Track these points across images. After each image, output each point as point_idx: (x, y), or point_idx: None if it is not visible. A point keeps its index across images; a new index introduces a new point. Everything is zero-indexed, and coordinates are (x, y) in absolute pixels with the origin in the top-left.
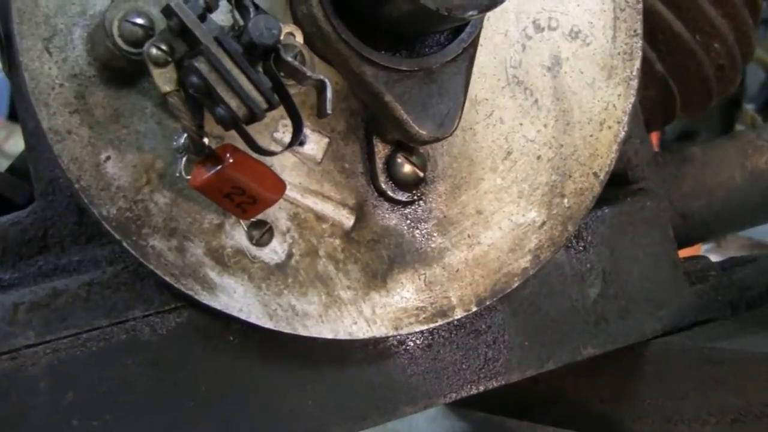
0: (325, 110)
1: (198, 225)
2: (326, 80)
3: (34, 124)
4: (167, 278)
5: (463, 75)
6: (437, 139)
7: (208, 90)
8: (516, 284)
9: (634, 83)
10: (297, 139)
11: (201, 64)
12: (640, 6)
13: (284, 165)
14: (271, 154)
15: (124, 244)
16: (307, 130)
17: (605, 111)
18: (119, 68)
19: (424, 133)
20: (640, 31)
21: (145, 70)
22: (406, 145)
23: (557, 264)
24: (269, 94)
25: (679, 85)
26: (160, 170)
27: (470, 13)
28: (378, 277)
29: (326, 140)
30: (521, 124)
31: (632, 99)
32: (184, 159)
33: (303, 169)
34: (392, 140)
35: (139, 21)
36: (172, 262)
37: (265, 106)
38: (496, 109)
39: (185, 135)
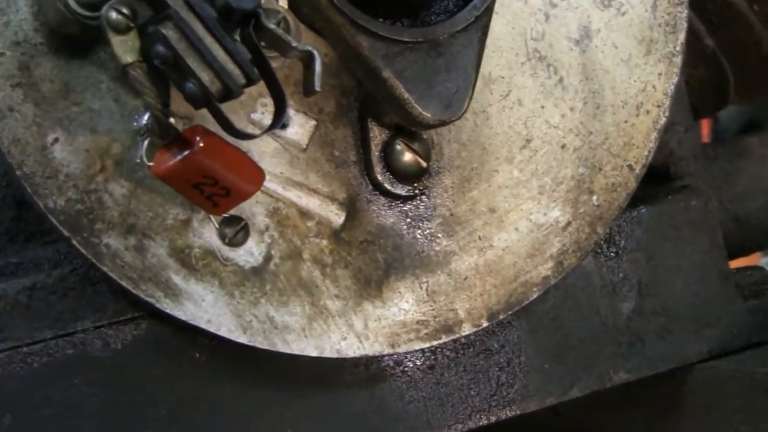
0: (314, 87)
1: (161, 221)
2: (315, 52)
3: None
4: (124, 283)
5: (475, 48)
6: (443, 123)
7: (176, 61)
8: (535, 295)
9: (678, 60)
10: (279, 120)
11: (168, 31)
12: None
13: (263, 151)
14: (249, 137)
15: (74, 241)
16: (290, 111)
17: (643, 92)
18: (71, 35)
19: (429, 115)
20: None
21: (102, 38)
22: (407, 129)
23: (584, 273)
24: (248, 66)
25: (732, 64)
26: (117, 155)
27: None
28: (372, 284)
29: (313, 123)
30: (543, 107)
31: (675, 79)
32: (146, 142)
33: (285, 156)
34: (391, 124)
35: None
36: (129, 263)
37: (243, 80)
38: (514, 88)
39: (148, 114)
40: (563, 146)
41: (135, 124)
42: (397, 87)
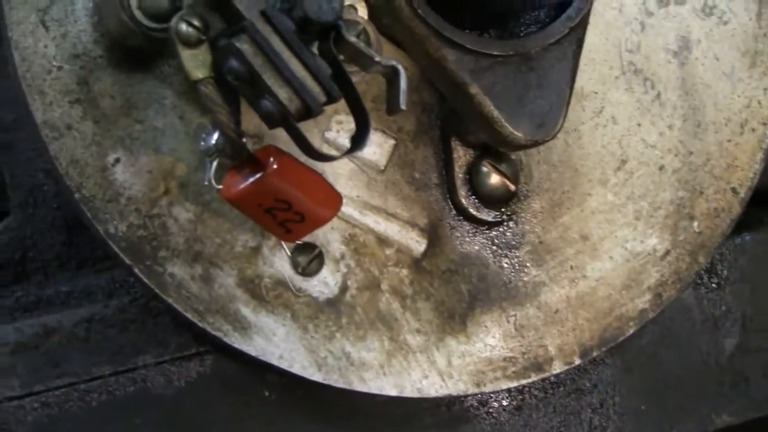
0: (398, 105)
1: (229, 248)
2: (400, 67)
3: (13, 116)
4: (189, 315)
5: (570, 62)
6: (536, 143)
7: (251, 77)
8: (631, 331)
9: None
10: (362, 142)
11: (244, 45)
12: None
13: (338, 173)
14: (329, 159)
15: (136, 270)
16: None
17: (747, 109)
18: (134, 47)
19: (520, 135)
20: None
21: (166, 51)
22: (495, 150)
23: (683, 306)
24: (328, 83)
25: None
26: (182, 177)
27: None
28: (455, 317)
29: (392, 142)
30: (639, 125)
31: None
32: (215, 163)
33: (362, 178)
34: (476, 143)
35: None
36: (195, 294)
37: (323, 98)
38: (608, 105)
39: (217, 133)
40: (661, 168)
41: (202, 143)
42: (486, 104)
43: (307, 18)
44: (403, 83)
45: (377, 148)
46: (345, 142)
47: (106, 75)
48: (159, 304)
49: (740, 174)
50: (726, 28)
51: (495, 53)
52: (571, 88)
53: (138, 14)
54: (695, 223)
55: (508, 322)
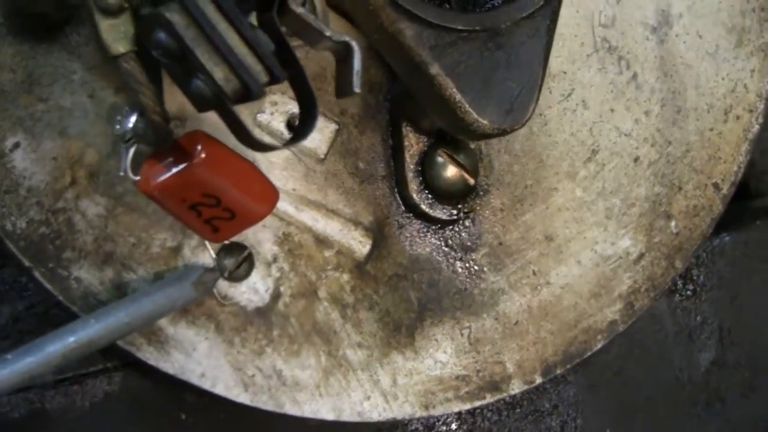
0: (351, 87)
1: (145, 248)
2: (354, 44)
3: None
4: None
5: (543, 39)
6: (503, 132)
7: (182, 53)
8: (599, 345)
9: None
10: (309, 129)
11: (174, 15)
12: None
13: (271, 162)
14: (269, 149)
15: (36, 273)
16: None
17: (732, 94)
18: (38, 15)
19: (486, 122)
20: None
21: (79, 19)
22: (451, 137)
23: (654, 315)
24: (271, 61)
25: None
26: (92, 166)
27: None
28: (402, 330)
29: (333, 127)
30: (612, 110)
31: None
32: (132, 151)
33: (299, 168)
34: (431, 130)
35: None
36: (105, 302)
37: (265, 78)
38: (578, 86)
39: (135, 115)
40: (636, 159)
41: (117, 127)
42: (448, 86)
43: None
44: (356, 63)
45: (317, 133)
46: (280, 126)
47: (5, 45)
48: (60, 311)
49: (723, 167)
50: (710, 1)
51: (460, 27)
52: (544, 68)
53: None
54: (672, 223)
55: (462, 335)
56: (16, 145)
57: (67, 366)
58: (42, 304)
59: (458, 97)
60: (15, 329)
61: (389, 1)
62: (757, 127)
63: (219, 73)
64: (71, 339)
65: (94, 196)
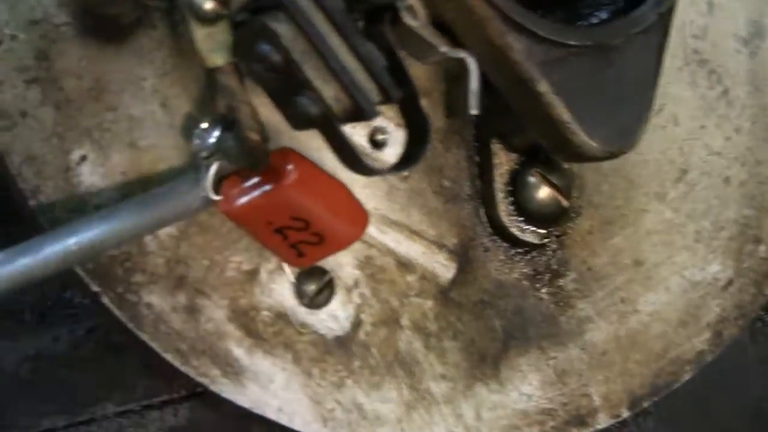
0: (467, 107)
1: (219, 272)
2: (471, 60)
3: None
4: (170, 356)
5: (655, 56)
6: (612, 156)
7: (287, 68)
8: (687, 376)
9: None
10: (420, 154)
11: (281, 26)
12: None
13: (352, 179)
14: (376, 173)
15: (105, 299)
16: (384, 122)
17: None
18: (110, 16)
19: (595, 145)
20: None
21: (145, 20)
22: (543, 156)
23: (735, 342)
24: (385, 78)
25: None
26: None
27: None
28: (487, 360)
29: None
30: (703, 127)
31: None
32: (213, 168)
33: (381, 186)
34: (521, 147)
35: None
36: (177, 330)
37: (378, 98)
38: (669, 101)
39: (219, 130)
40: (726, 179)
41: (196, 141)
42: (556, 105)
43: None
44: (474, 81)
45: (400, 148)
46: (362, 140)
47: (72, 48)
48: (121, 336)
49: None
50: None
51: (571, 43)
52: (656, 88)
53: None
54: (762, 248)
55: (548, 365)
56: (83, 158)
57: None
58: (101, 327)
59: (567, 117)
60: (76, 355)
61: (499, 13)
62: None
63: (329, 91)
64: (72, 240)
65: None
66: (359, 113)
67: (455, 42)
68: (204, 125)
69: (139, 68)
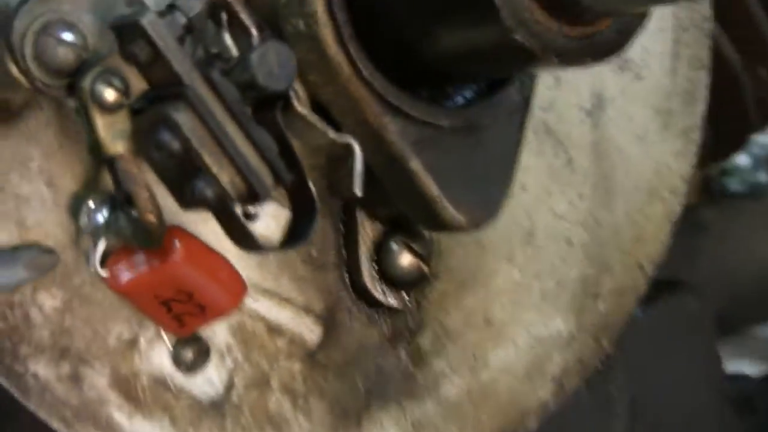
0: (353, 188)
1: (101, 341)
2: (356, 145)
3: None
4: (54, 424)
5: (517, 133)
6: (477, 227)
7: (187, 155)
8: (532, 426)
9: (696, 137)
10: (308, 232)
11: (181, 116)
12: (708, 26)
13: (225, 250)
14: (264, 250)
15: None
16: None
17: (656, 176)
18: (0, 101)
19: (462, 218)
20: (707, 61)
21: (33, 103)
22: (406, 225)
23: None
24: (277, 163)
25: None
26: None
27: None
28: (351, 416)
29: (287, 213)
30: (549, 194)
31: (693, 159)
32: (101, 246)
33: (253, 257)
34: (386, 217)
35: (70, 38)
36: (61, 398)
37: (271, 181)
38: (519, 170)
39: (106, 209)
40: (569, 241)
41: (85, 219)
42: (427, 182)
43: (255, 84)
44: (359, 164)
45: (271, 220)
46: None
47: None
48: (10, 405)
49: (647, 248)
50: (641, 85)
51: (443, 124)
52: (517, 162)
53: (33, 66)
54: (600, 304)
55: (406, 419)
56: None
57: None
58: None
59: (436, 193)
60: None
61: (375, 96)
62: (678, 208)
63: (225, 176)
64: None
65: (50, 288)
66: (254, 196)
67: (334, 124)
68: (91, 204)
69: (26, 149)
